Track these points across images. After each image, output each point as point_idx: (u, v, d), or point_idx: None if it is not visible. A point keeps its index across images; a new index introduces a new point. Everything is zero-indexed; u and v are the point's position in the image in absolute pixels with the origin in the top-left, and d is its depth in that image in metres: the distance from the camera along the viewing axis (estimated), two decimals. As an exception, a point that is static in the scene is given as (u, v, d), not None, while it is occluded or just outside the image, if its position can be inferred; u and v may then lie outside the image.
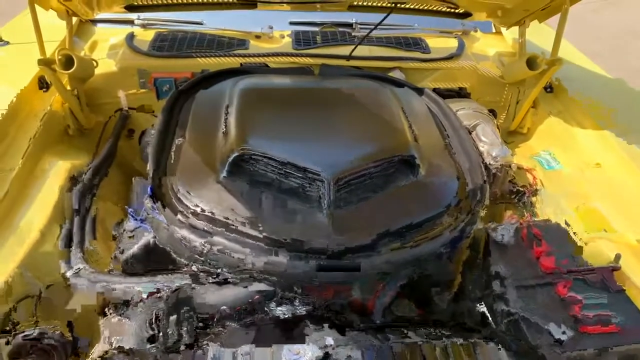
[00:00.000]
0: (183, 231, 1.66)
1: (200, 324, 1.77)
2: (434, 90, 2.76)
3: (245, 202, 1.69)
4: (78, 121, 2.58)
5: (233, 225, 1.65)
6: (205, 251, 1.64)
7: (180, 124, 2.11)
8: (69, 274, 1.85)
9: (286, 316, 1.73)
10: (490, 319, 1.72)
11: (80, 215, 2.08)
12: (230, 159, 1.75)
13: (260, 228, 1.63)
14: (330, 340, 1.41)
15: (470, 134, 2.30)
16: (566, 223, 1.95)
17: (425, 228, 1.72)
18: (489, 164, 2.18)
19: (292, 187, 1.74)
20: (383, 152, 1.81)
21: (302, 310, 1.74)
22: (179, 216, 1.70)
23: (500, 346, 1.41)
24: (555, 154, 2.44)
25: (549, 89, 2.76)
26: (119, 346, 1.48)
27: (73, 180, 2.21)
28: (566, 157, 2.39)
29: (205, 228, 1.67)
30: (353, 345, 1.40)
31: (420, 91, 2.48)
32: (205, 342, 1.55)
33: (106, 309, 1.99)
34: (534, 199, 2.25)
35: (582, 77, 2.89)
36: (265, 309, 1.74)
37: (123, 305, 1.78)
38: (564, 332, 1.47)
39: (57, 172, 2.19)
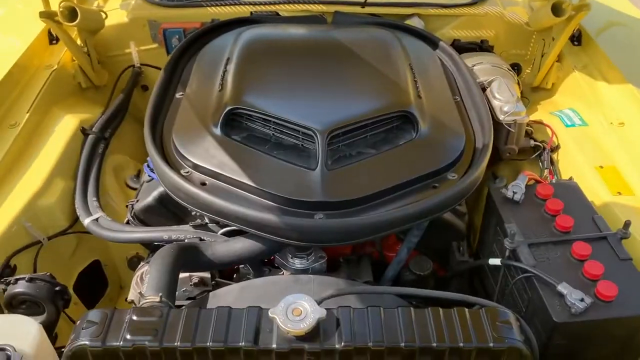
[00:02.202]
0: (183, 185, 1.64)
1: (208, 276, 1.80)
2: (455, 43, 2.69)
3: (237, 159, 1.67)
4: (88, 78, 2.57)
5: (224, 180, 1.64)
6: (202, 205, 1.62)
7: (183, 78, 2.10)
8: (86, 221, 1.88)
9: (297, 268, 1.74)
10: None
11: (94, 165, 2.11)
12: (222, 116, 1.74)
13: (250, 184, 1.61)
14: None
15: (485, 90, 2.24)
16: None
17: (423, 185, 1.68)
18: (500, 119, 2.11)
19: (287, 143, 1.73)
20: (381, 107, 1.78)
21: (317, 264, 1.75)
22: (175, 171, 1.69)
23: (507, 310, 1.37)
24: (579, 111, 2.34)
25: (576, 41, 2.63)
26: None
27: (83, 132, 2.22)
28: (590, 114, 2.30)
29: (200, 183, 1.66)
30: (358, 305, 1.37)
31: (435, 44, 2.39)
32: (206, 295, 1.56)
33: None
34: (554, 156, 2.18)
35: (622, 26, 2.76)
36: (283, 261, 1.75)
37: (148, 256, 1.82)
38: (576, 296, 1.42)
39: (65, 126, 2.21)
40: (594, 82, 2.39)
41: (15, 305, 1.58)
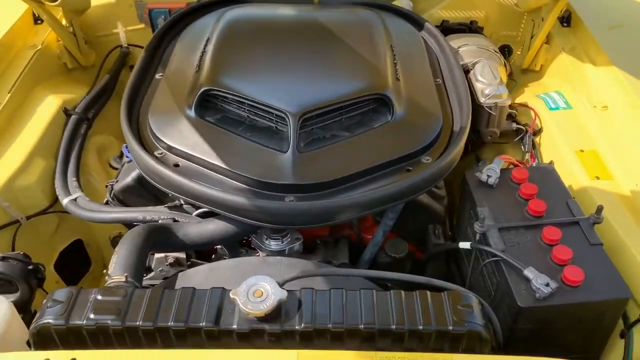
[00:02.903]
0: (155, 167, 1.65)
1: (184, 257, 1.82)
2: (444, 24, 2.67)
3: (210, 140, 1.69)
4: (75, 58, 2.58)
5: (197, 162, 1.67)
6: (173, 186, 1.64)
7: (164, 59, 2.11)
8: (65, 201, 1.91)
9: (272, 249, 1.76)
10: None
11: (75, 145, 2.14)
12: (197, 97, 1.75)
13: (222, 166, 1.63)
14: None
15: (468, 72, 2.24)
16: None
17: (397, 169, 1.69)
18: (481, 102, 2.11)
19: (262, 125, 1.74)
20: (357, 90, 1.78)
21: (293, 245, 1.78)
22: (149, 153, 1.71)
23: (470, 294, 1.39)
24: (565, 94, 2.33)
25: (565, 22, 2.61)
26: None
27: (65, 112, 2.23)
28: (575, 97, 2.29)
29: (173, 164, 1.68)
30: (325, 288, 1.39)
31: (420, 25, 2.38)
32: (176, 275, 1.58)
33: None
34: (536, 139, 2.18)
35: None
36: (258, 243, 1.77)
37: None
38: (542, 281, 1.43)
39: (48, 106, 2.23)
40: (580, 64, 2.37)
41: None
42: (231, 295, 1.30)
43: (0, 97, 2.11)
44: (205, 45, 2.01)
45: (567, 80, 2.41)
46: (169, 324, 1.27)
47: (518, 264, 1.48)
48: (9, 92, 2.12)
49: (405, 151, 1.71)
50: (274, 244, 1.76)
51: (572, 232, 1.60)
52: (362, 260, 1.84)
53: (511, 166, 1.94)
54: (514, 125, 2.21)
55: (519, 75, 2.69)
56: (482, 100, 2.11)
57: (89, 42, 2.69)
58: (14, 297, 1.59)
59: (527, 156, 2.12)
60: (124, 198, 1.88)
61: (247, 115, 1.75)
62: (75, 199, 1.91)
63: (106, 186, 1.94)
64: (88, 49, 2.66)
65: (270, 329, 1.28)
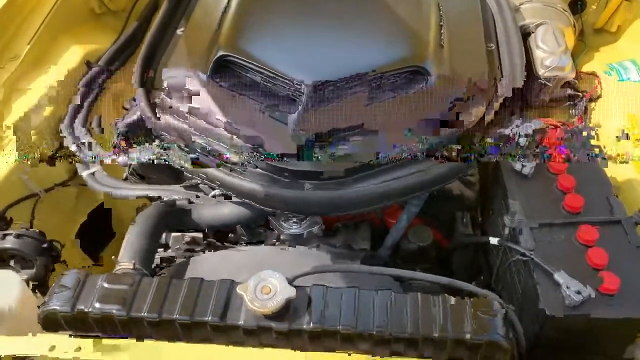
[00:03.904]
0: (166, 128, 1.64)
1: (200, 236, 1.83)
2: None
3: (222, 108, 1.61)
4: (103, 2, 2.52)
5: (206, 133, 1.62)
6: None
7: (188, 10, 2.02)
8: (84, 174, 1.91)
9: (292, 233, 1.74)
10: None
11: (88, 101, 2.08)
12: (213, 60, 1.64)
13: (230, 142, 1.58)
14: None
15: (529, 35, 2.09)
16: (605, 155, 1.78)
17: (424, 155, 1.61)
18: (539, 74, 1.97)
19: (280, 94, 1.60)
20: (391, 60, 1.61)
21: (313, 229, 1.75)
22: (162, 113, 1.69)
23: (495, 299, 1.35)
24: None
25: None
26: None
27: (88, 65, 2.19)
28: None
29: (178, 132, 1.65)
30: (339, 283, 1.38)
31: None
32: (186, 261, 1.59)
33: None
34: (592, 104, 2.05)
35: None
36: (277, 225, 1.76)
37: None
38: (573, 287, 1.37)
39: (71, 57, 2.18)
40: None
41: (6, 259, 1.66)
42: (238, 291, 1.29)
43: (19, 49, 2.08)
44: (229, 1, 1.89)
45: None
46: (175, 316, 1.29)
47: (548, 266, 1.43)
48: (28, 44, 2.09)
49: (438, 136, 1.61)
50: (292, 227, 1.74)
51: (612, 233, 1.52)
52: (385, 246, 1.81)
53: (550, 126, 1.84)
54: (569, 91, 2.07)
55: (591, 36, 2.49)
56: (541, 72, 1.97)
57: None
58: (28, 274, 1.63)
59: (575, 120, 2.00)
60: (143, 172, 1.88)
61: (263, 83, 1.63)
62: (93, 174, 1.90)
63: (110, 124, 1.92)
64: None
65: (277, 327, 1.28)
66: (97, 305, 1.30)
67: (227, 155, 1.60)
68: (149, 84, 1.77)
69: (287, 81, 1.56)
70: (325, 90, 1.55)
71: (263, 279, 1.31)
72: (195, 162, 1.64)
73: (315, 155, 1.54)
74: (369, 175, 1.58)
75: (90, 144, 1.89)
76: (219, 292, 1.33)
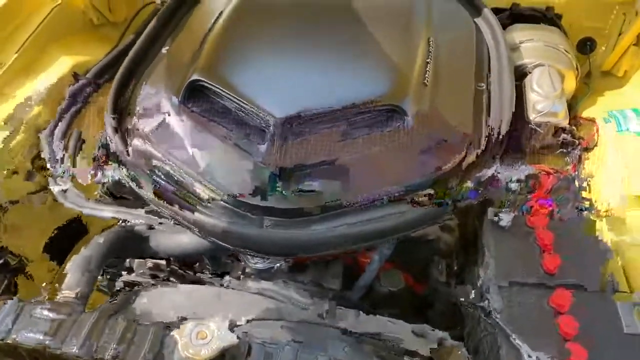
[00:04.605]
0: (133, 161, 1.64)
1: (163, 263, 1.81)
2: (513, 8, 2.41)
3: (188, 139, 1.60)
4: (101, 13, 2.55)
5: (168, 164, 1.61)
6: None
7: (176, 30, 2.03)
8: (55, 190, 1.91)
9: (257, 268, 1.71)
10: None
11: (71, 113, 2.07)
12: (185, 84, 1.63)
13: (195, 173, 1.56)
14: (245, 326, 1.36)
15: (525, 76, 2.02)
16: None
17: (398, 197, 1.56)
18: (529, 119, 1.88)
19: (250, 125, 1.58)
20: (366, 97, 1.57)
21: (280, 264, 1.71)
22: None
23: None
24: None
25: None
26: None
27: (75, 77, 2.17)
28: None
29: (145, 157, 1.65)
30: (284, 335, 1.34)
31: (477, 10, 2.16)
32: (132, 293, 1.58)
33: None
34: (586, 154, 1.95)
35: None
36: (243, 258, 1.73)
37: None
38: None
39: (57, 69, 2.18)
40: None
41: None
42: (174, 334, 1.27)
43: (5, 57, 2.09)
44: (216, 20, 1.89)
45: None
46: (106, 358, 1.27)
47: (511, 332, 1.36)
48: (16, 52, 2.11)
49: (411, 180, 1.57)
50: (256, 262, 1.70)
51: (587, 300, 1.44)
52: (356, 287, 1.76)
53: (543, 173, 1.77)
54: (562, 137, 1.96)
55: (598, 78, 2.41)
56: (531, 116, 1.89)
57: None
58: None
59: (569, 168, 1.91)
60: (117, 192, 1.86)
61: (235, 113, 1.61)
62: (65, 191, 1.89)
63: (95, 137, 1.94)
64: (119, 2, 2.61)
65: (207, 377, 1.25)
66: (30, 335, 1.30)
67: (192, 185, 1.58)
68: (123, 108, 1.77)
69: (256, 112, 1.54)
70: (295, 124, 1.53)
71: (201, 324, 1.28)
72: (156, 191, 1.63)
73: (279, 190, 1.50)
74: (335, 216, 1.54)
75: (62, 158, 1.90)
76: (154, 336, 1.30)
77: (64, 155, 1.91)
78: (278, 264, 1.70)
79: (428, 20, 1.94)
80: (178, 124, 1.63)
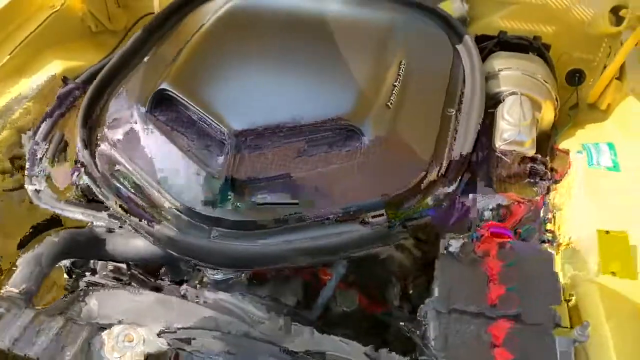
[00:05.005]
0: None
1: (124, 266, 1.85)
2: (500, 36, 2.43)
3: (149, 147, 1.66)
4: (100, 21, 2.62)
5: (127, 171, 1.66)
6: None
7: (161, 40, 2.09)
8: (29, 189, 1.97)
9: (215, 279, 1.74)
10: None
11: (56, 114, 2.11)
12: (151, 96, 1.71)
13: (151, 181, 1.61)
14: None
15: (497, 104, 2.03)
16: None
17: (348, 217, 1.58)
18: (495, 146, 1.91)
19: (211, 138, 1.64)
20: (323, 115, 1.62)
21: (239, 276, 1.74)
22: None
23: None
24: (619, 149, 1.99)
25: None
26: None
27: (64, 81, 2.22)
28: (629, 157, 1.95)
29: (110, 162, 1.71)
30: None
31: (459, 36, 2.18)
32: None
33: None
34: (555, 186, 1.95)
35: None
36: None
37: None
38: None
39: (47, 73, 2.25)
40: None
41: None
42: (103, 335, 1.30)
43: None
44: (196, 32, 1.97)
45: (628, 130, 2.10)
46: (34, 356, 1.30)
47: None
48: (9, 54, 2.18)
49: (364, 200, 1.59)
50: (214, 273, 1.72)
51: (526, 334, 1.41)
52: (316, 306, 1.76)
53: (514, 203, 1.79)
54: (531, 166, 1.98)
55: (584, 111, 2.41)
56: (497, 144, 1.91)
57: (124, 6, 2.72)
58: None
59: (538, 198, 1.91)
60: (89, 194, 1.90)
61: (201, 124, 1.68)
62: (38, 191, 1.94)
63: None
64: (119, 11, 2.69)
65: (126, 382, 1.27)
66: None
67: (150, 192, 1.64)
68: (96, 119, 1.85)
69: (215, 124, 1.60)
70: (250, 138, 1.58)
71: (131, 327, 1.31)
72: (119, 195, 1.67)
73: (231, 202, 1.54)
74: (284, 231, 1.56)
75: (41, 158, 1.95)
76: (86, 336, 1.33)
77: (43, 155, 1.97)
78: (235, 276, 1.73)
79: (404, 43, 1.98)
80: (143, 132, 1.70)
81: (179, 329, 1.38)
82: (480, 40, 2.39)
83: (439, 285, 1.50)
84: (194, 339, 1.36)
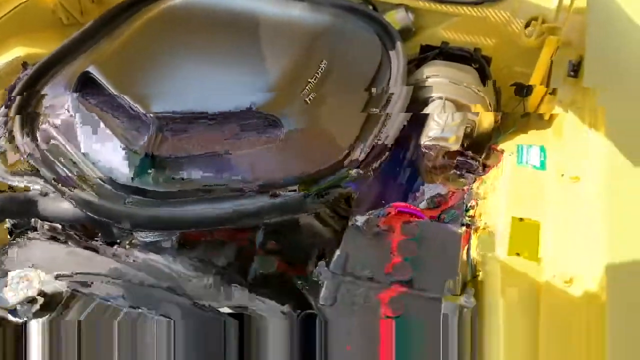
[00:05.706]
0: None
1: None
2: (443, 47, 2.53)
3: (78, 126, 1.82)
4: (71, 14, 2.71)
5: (61, 147, 1.82)
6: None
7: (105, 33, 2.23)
8: None
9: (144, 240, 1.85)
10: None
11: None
12: (76, 78, 1.88)
13: (80, 157, 1.78)
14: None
15: (425, 105, 2.18)
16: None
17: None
18: (420, 143, 2.08)
19: (140, 120, 1.79)
20: (241, 104, 1.77)
21: (168, 240, 1.85)
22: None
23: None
24: (549, 153, 2.10)
25: (572, 72, 2.36)
26: None
27: (24, 65, 2.32)
28: (555, 159, 2.06)
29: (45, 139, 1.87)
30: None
31: (392, 42, 2.29)
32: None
33: None
34: (481, 179, 2.07)
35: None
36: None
37: None
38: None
39: (7, 58, 2.35)
40: (574, 124, 2.13)
41: None
42: (6, 278, 1.37)
43: None
44: (132, 26, 2.14)
45: (560, 136, 2.18)
46: None
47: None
48: None
49: (279, 178, 1.74)
50: (144, 236, 1.83)
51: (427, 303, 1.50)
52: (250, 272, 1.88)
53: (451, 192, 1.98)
54: (458, 160, 2.12)
55: (534, 119, 2.44)
56: (422, 140, 2.08)
57: (97, 1, 2.78)
58: None
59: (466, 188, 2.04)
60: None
61: (127, 106, 1.82)
62: None
63: None
64: (93, 6, 2.76)
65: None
66: None
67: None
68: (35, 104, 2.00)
69: (136, 107, 1.78)
70: (171, 121, 1.75)
71: (30, 270, 1.38)
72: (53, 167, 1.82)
73: (152, 176, 1.72)
74: (197, 201, 1.72)
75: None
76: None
77: (2, 135, 2.08)
78: (162, 239, 1.84)
79: (329, 44, 2.10)
80: (74, 112, 1.87)
81: (77, 273, 1.45)
82: (424, 50, 2.51)
83: (339, 250, 1.60)
84: (92, 282, 1.43)
